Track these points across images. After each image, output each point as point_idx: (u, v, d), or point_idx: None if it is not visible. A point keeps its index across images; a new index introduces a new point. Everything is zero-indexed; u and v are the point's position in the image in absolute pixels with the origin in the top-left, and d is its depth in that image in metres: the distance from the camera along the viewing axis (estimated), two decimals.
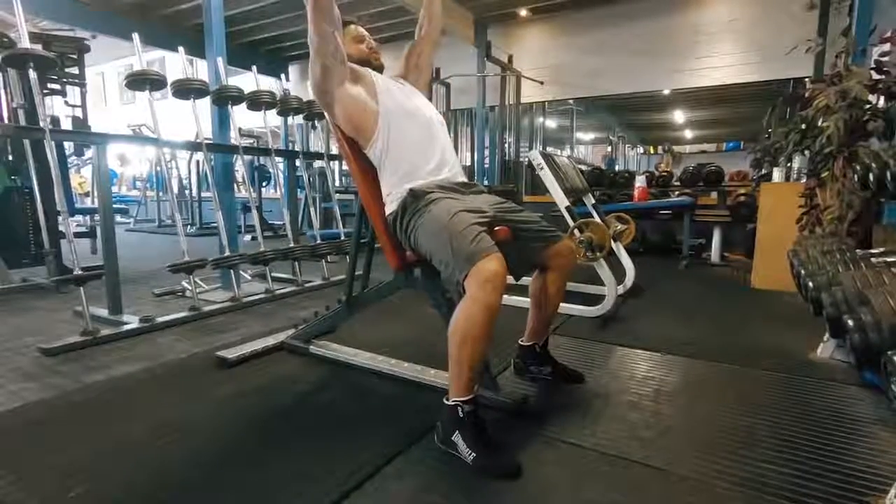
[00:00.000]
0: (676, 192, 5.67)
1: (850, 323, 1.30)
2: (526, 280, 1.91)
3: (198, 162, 8.62)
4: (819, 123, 2.08)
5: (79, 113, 4.20)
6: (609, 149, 14.51)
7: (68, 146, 4.83)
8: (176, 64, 3.58)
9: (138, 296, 3.56)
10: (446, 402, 1.49)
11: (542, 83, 7.21)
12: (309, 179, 6.08)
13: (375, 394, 1.96)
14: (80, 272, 2.66)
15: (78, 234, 3.40)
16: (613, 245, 3.40)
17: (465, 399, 1.46)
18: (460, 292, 1.47)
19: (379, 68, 1.96)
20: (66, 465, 1.44)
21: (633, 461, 1.46)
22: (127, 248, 5.54)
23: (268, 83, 4.81)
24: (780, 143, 2.39)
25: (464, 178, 1.87)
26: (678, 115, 12.07)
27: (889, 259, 1.41)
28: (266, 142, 4.17)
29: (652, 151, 16.34)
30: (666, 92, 7.43)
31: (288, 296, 3.65)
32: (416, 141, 1.79)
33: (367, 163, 1.83)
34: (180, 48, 3.59)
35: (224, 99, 3.57)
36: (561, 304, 1.94)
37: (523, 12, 6.90)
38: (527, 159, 7.10)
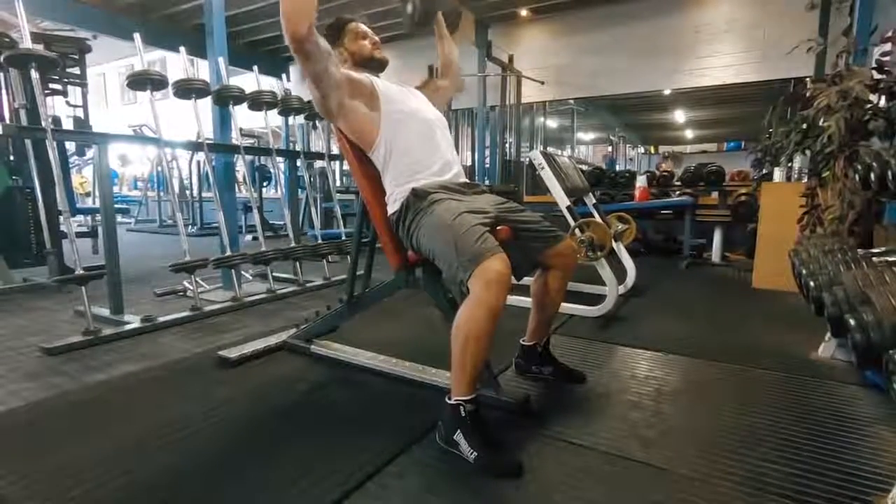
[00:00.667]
0: (677, 192, 5.66)
1: (852, 322, 1.30)
2: (528, 280, 1.91)
3: (199, 162, 8.63)
4: (820, 123, 2.08)
5: (80, 113, 4.20)
6: (610, 149, 14.55)
7: (70, 146, 4.83)
8: (177, 64, 3.60)
9: (140, 296, 3.56)
10: (448, 401, 1.50)
11: (542, 83, 7.21)
12: (310, 179, 6.13)
13: (377, 393, 1.97)
14: (81, 272, 2.67)
15: (79, 234, 3.40)
16: (614, 245, 3.41)
17: (467, 398, 1.47)
18: (463, 292, 1.47)
19: (382, 62, 1.97)
20: (67, 465, 1.44)
21: (635, 461, 1.46)
22: (128, 248, 5.57)
23: (269, 83, 4.79)
24: (781, 143, 2.39)
25: (465, 179, 1.88)
26: (679, 115, 12.07)
27: (890, 258, 1.41)
28: (267, 142, 4.16)
29: (653, 151, 16.37)
30: (667, 92, 7.44)
31: (289, 296, 3.66)
32: (419, 143, 1.80)
33: (370, 164, 1.85)
34: (181, 48, 3.60)
35: (225, 99, 3.57)
36: (562, 304, 1.95)
37: (524, 12, 6.90)
38: (528, 159, 7.11)
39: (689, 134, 14.80)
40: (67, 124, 4.11)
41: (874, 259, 1.42)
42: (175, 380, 2.13)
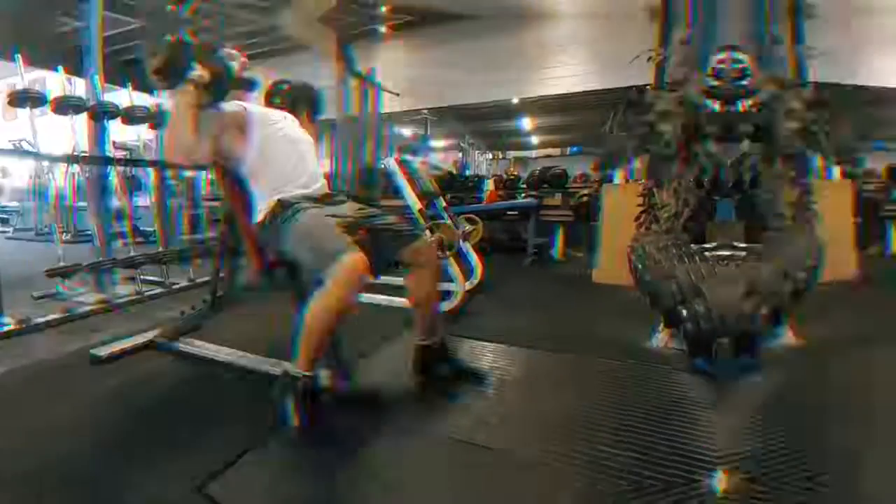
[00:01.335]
0: (523, 195, 5.95)
1: (685, 313, 1.39)
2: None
3: (73, 174, 8.42)
4: (659, 128, 2.23)
5: None
6: (461, 155, 15.26)
7: None
8: (57, 83, 4.04)
9: (17, 299, 3.19)
10: (288, 371, 1.66)
11: (398, 94, 7.30)
12: (179, 188, 6.25)
13: (237, 387, 2.07)
14: None
15: None
16: (462, 244, 3.54)
17: (305, 374, 1.64)
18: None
19: (249, 82, 2.22)
20: None
21: (479, 446, 1.56)
22: (6, 255, 5.87)
23: (143, 98, 4.86)
24: (622, 146, 2.55)
25: (327, 191, 2.07)
26: (526, 122, 12.92)
27: (721, 253, 1.53)
28: (139, 153, 4.31)
29: (500, 157, 17.44)
30: (514, 101, 7.83)
31: (158, 297, 3.70)
32: (285, 159, 1.97)
33: (236, 175, 1.99)
34: (60, 68, 3.83)
35: (101, 114, 3.74)
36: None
37: (382, 29, 7.18)
38: (384, 165, 7.20)
39: (534, 140, 15.89)
40: None
41: (706, 254, 1.53)
42: (48, 379, 2.18)
